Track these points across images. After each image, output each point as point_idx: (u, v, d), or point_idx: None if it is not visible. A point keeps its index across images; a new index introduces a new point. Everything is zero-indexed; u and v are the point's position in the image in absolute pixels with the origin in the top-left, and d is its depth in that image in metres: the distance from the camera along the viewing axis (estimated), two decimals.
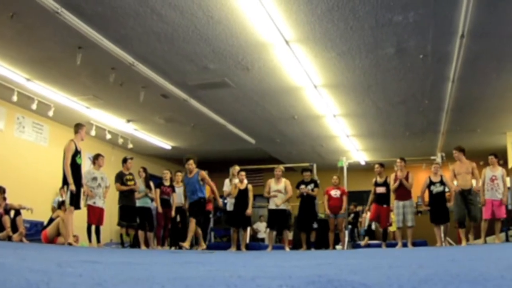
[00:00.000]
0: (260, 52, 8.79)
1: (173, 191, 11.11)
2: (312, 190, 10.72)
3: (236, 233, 10.47)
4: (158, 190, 10.81)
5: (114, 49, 8.36)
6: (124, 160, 10.54)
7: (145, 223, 10.37)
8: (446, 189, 10.04)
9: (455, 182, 9.81)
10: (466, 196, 9.39)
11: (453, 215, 9.97)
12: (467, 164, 9.56)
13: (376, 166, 10.90)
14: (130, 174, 10.44)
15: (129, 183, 10.24)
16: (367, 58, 9.18)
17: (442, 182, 10.03)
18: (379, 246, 10.90)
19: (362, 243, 11.86)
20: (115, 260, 3.05)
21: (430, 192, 10.10)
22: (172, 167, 13.29)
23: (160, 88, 10.38)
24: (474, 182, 9.78)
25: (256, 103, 11.76)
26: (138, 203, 10.36)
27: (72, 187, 8.02)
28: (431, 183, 10.11)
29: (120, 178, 10.24)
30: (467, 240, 9.88)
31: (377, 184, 10.62)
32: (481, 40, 8.29)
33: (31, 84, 9.98)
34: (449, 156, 13.42)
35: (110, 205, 10.11)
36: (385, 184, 10.52)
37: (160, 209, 10.71)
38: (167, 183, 11.12)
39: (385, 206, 10.46)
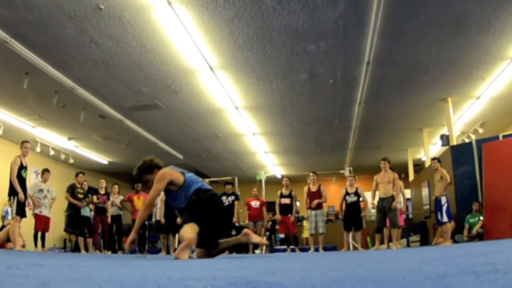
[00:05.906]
0: (187, 77, 9.44)
1: (108, 199, 11.69)
2: (233, 201, 11.10)
3: (166, 239, 10.84)
4: (94, 197, 11.32)
5: (57, 74, 8.87)
6: (76, 174, 10.97)
7: (84, 230, 10.81)
8: (361, 199, 10.52)
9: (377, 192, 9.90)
10: (386, 204, 9.59)
11: (368, 223, 10.30)
12: (390, 174, 9.69)
13: (285, 179, 11.46)
14: (82, 188, 10.88)
15: (79, 195, 10.67)
16: (283, 82, 9.90)
17: (356, 193, 10.48)
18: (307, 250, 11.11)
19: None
20: (58, 263, 3.06)
21: (346, 201, 10.51)
22: (109, 180, 13.81)
23: (98, 110, 10.92)
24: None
25: (184, 123, 12.35)
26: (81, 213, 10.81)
27: (21, 195, 8.33)
28: (347, 193, 10.56)
29: (72, 189, 10.65)
30: (383, 244, 10.23)
31: (282, 196, 11.08)
32: (385, 66, 9.11)
33: None
34: (356, 170, 14.51)
35: (53, 213, 10.50)
36: (290, 196, 11.06)
37: (92, 214, 11.17)
38: (102, 191, 11.66)
39: (289, 215, 10.97)
